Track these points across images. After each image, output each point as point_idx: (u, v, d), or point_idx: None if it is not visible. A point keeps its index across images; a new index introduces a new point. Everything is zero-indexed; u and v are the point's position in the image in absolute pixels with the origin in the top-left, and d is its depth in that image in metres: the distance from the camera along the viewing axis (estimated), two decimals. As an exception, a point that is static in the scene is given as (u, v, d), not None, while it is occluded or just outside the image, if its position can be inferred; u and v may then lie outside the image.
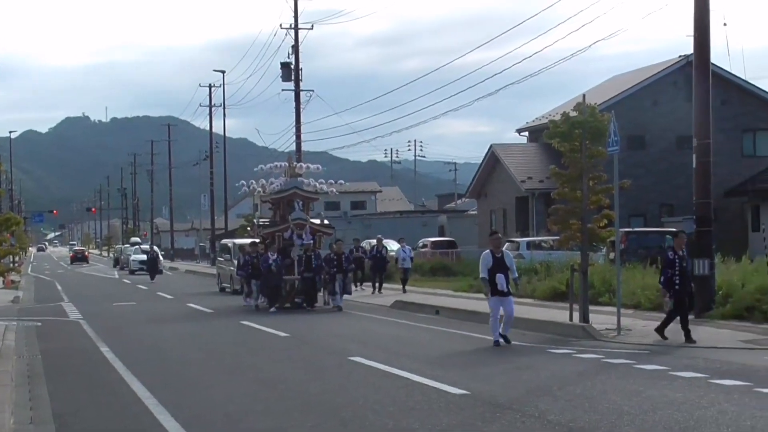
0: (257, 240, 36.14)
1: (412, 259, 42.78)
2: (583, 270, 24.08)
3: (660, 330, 21.16)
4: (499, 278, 20.86)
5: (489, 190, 62.63)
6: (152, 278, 59.27)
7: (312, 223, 35.20)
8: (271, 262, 33.28)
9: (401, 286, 40.19)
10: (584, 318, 23.45)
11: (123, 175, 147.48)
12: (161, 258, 70.59)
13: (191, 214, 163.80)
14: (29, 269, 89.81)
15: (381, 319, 28.99)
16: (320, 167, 37.30)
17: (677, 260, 21.20)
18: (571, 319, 23.80)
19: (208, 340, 24.41)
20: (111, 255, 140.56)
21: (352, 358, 19.07)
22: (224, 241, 53.02)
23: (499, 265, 20.98)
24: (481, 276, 21.24)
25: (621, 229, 35.22)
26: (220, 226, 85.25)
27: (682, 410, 12.88)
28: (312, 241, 34.32)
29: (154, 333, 26.26)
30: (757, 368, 16.54)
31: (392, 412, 13.29)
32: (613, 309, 23.27)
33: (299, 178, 35.86)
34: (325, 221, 37.64)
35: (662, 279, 21.41)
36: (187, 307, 36.03)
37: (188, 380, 17.15)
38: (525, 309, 28.60)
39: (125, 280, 63.88)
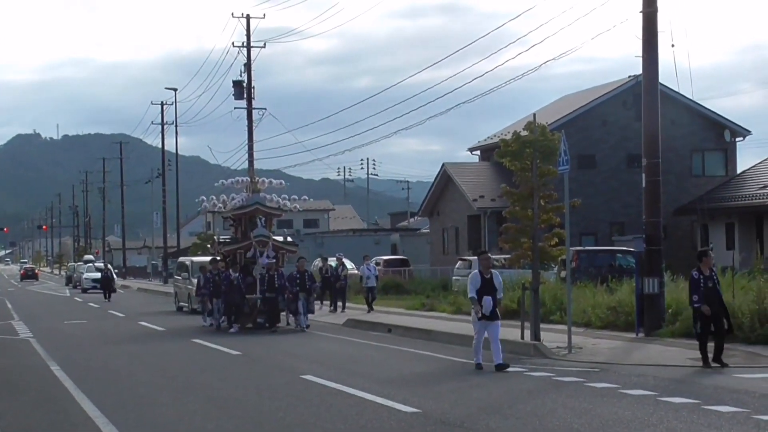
0: (218, 257, 35.02)
1: (377, 277, 41.10)
2: (534, 288, 24.23)
3: (704, 361, 19.61)
4: (486, 301, 19.95)
5: (441, 208, 62.81)
6: (106, 297, 57.63)
7: (275, 240, 34.36)
8: (233, 279, 32.57)
9: (366, 306, 38.59)
10: (535, 336, 23.56)
11: (75, 193, 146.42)
12: (115, 276, 68.56)
13: (143, 231, 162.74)
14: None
15: (333, 338, 28.99)
16: (283, 182, 36.23)
17: (702, 280, 19.73)
18: (522, 337, 23.89)
19: (160, 358, 24.26)
20: (62, 273, 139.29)
21: (303, 377, 19.05)
22: (181, 259, 51.73)
23: (487, 286, 20.02)
24: (470, 296, 20.30)
25: (572, 248, 35.44)
26: (173, 244, 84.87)
27: (632, 428, 12.99)
28: (275, 260, 33.26)
29: (105, 351, 26.07)
30: (705, 386, 16.68)
31: (343, 430, 13.32)
32: (564, 327, 23.39)
33: (261, 194, 34.80)
34: (288, 238, 36.59)
35: (692, 302, 19.96)
36: (138, 326, 35.78)
37: (139, 399, 17.02)
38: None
39: (77, 298, 63.26)
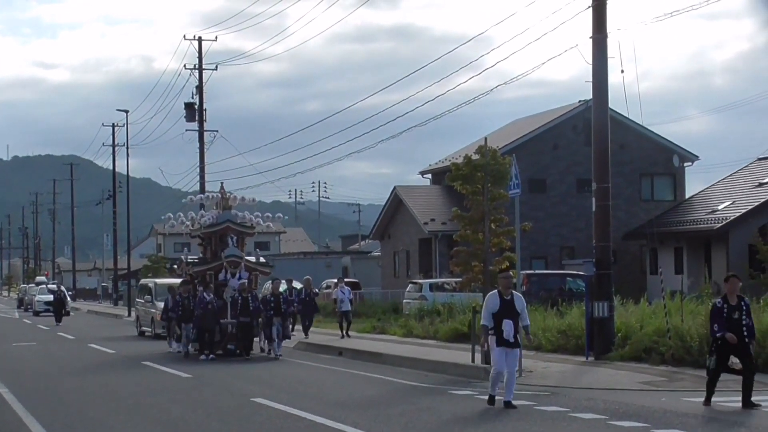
0: (187, 279, 32.83)
1: (351, 301, 38.91)
2: (484, 312, 24.25)
3: (707, 398, 17.29)
4: (507, 325, 17.48)
5: (392, 231, 62.91)
6: (58, 320, 55.23)
7: (247, 260, 32.25)
8: (208, 302, 30.18)
9: (340, 332, 36.30)
10: (486, 359, 23.56)
11: (25, 214, 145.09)
12: (68, 298, 65.48)
13: (94, 253, 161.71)
14: None
15: (284, 360, 28.85)
16: (255, 199, 34.41)
17: (727, 310, 17.15)
18: (473, 360, 23.90)
19: (109, 380, 24.07)
20: (11, 294, 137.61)
21: (254, 399, 18.98)
22: (144, 281, 49.30)
23: (507, 309, 17.54)
24: (482, 323, 17.84)
25: (522, 272, 35.65)
26: (124, 266, 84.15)
27: (581, 451, 13.05)
28: (247, 281, 31.24)
29: (54, 373, 25.85)
30: (655, 409, 16.78)
31: (294, 453, 13.27)
32: (515, 350, 23.39)
33: (232, 211, 32.59)
34: (261, 259, 34.33)
35: (712, 332, 17.43)
36: (88, 348, 35.40)
37: (88, 421, 16.96)
38: (426, 350, 28.77)
39: (26, 320, 62.46)
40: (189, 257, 34.80)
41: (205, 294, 30.45)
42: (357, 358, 29.00)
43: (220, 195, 33.10)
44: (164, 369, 26.37)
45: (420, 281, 48.08)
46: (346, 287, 38.80)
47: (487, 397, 17.77)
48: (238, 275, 31.15)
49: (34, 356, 32.19)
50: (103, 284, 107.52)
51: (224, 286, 31.08)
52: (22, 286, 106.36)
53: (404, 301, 46.59)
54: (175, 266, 36.25)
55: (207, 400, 19.67)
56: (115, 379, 24.34)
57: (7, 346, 36.74)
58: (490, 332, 17.52)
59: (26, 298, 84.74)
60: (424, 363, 25.44)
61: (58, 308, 56.75)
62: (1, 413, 18.04)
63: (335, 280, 55.46)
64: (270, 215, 34.12)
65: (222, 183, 34.66)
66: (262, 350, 30.97)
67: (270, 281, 34.70)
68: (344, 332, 36.15)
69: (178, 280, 34.38)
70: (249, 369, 26.42)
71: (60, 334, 44.43)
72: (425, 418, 16.40)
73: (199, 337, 30.62)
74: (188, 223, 33.57)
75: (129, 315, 61.81)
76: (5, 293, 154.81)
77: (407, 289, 47.83)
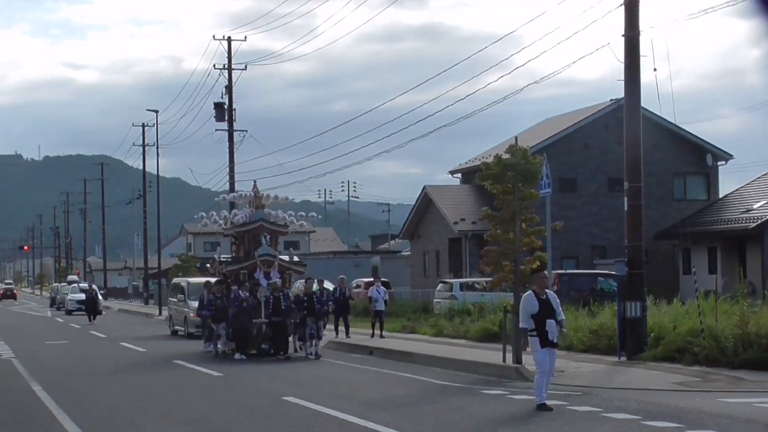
0: (222, 278, 32.31)
1: (386, 301, 37.88)
2: (515, 311, 24.10)
3: None
4: (551, 325, 17.15)
5: (422, 231, 62.78)
6: (91, 319, 55.39)
7: (281, 259, 31.99)
8: (242, 301, 29.85)
9: (371, 331, 35.85)
10: (517, 359, 23.45)
11: (56, 214, 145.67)
12: (101, 297, 64.81)
13: (124, 253, 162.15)
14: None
15: (314, 360, 28.79)
16: (288, 197, 34.14)
17: None
18: (504, 360, 23.77)
19: (141, 379, 24.13)
20: (43, 293, 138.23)
21: (285, 398, 18.93)
22: (176, 280, 48.81)
23: (546, 309, 17.28)
24: (521, 325, 17.59)
25: (553, 271, 35.50)
26: (154, 265, 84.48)
27: (615, 451, 12.92)
28: (280, 280, 30.84)
29: (87, 372, 25.94)
30: (689, 410, 16.59)
31: (325, 453, 13.21)
32: (546, 350, 23.26)
33: (266, 210, 32.26)
34: (295, 258, 33.85)
35: None
36: (120, 347, 35.51)
37: (120, 419, 16.99)
38: (457, 350, 28.66)
39: (58, 319, 62.77)
40: (222, 256, 34.41)
41: (240, 292, 30.07)
42: (388, 357, 28.90)
43: (253, 194, 32.80)
44: (196, 368, 26.40)
45: (450, 281, 47.92)
46: (381, 287, 38.22)
47: (537, 401, 16.97)
48: (271, 275, 30.87)
49: (66, 355, 32.32)
50: (134, 283, 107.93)
51: (259, 286, 30.73)
52: (54, 285, 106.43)
53: (434, 300, 46.46)
54: (208, 265, 35.99)
55: (237, 398, 19.65)
56: (147, 378, 24.39)
57: (40, 345, 36.92)
58: (531, 334, 17.25)
59: (58, 297, 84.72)
60: (455, 363, 25.33)
61: (90, 307, 57.02)
62: (34, 411, 18.15)
63: (365, 280, 55.59)
64: (303, 214, 33.80)
65: (255, 181, 34.29)
66: (296, 350, 30.59)
67: (302, 281, 34.28)
68: (377, 332, 35.65)
69: (212, 279, 34.02)
70: (280, 368, 26.38)
71: (92, 333, 44.68)
72: (456, 418, 16.30)
73: (234, 336, 30.21)
74: (221, 221, 33.43)
75: (160, 314, 62.03)
76: (37, 292, 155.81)
77: (437, 288, 47.70)
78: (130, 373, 25.91)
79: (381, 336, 35.14)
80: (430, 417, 16.50)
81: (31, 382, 23.05)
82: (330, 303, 33.14)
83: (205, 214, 33.94)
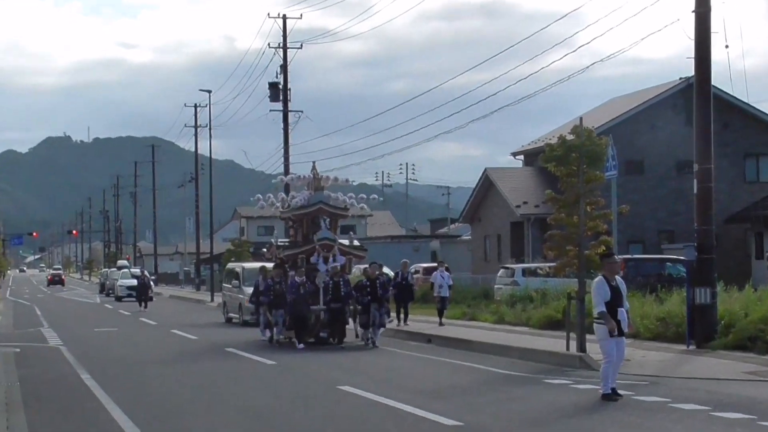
0: (279, 263, 31.04)
1: (450, 286, 36.86)
2: (580, 298, 23.42)
3: None
4: (622, 314, 16.60)
5: (483, 214, 62.03)
6: (143, 306, 54.14)
7: (341, 243, 30.68)
8: (299, 286, 28.63)
9: (438, 318, 34.90)
10: (581, 347, 22.79)
11: (106, 197, 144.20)
12: (152, 283, 63.51)
13: (175, 237, 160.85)
14: (8, 293, 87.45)
15: (371, 348, 28.16)
16: (349, 179, 33.16)
17: None
18: (567, 348, 23.19)
19: (191, 367, 23.80)
20: (93, 279, 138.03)
21: (340, 387, 18.57)
22: (231, 265, 47.83)
23: (617, 296, 16.61)
24: (598, 310, 16.67)
25: (619, 256, 34.62)
26: (206, 250, 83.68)
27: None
28: (341, 263, 29.79)
29: (136, 360, 25.56)
30: (761, 401, 16.04)
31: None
32: (611, 338, 22.56)
33: (325, 192, 31.12)
34: (355, 242, 32.51)
35: None
36: (171, 334, 35.01)
37: (170, 409, 16.69)
38: (518, 337, 28.13)
39: (107, 305, 61.91)
40: (279, 240, 33.45)
41: (297, 278, 28.94)
42: (446, 345, 28.30)
43: (312, 175, 31.81)
44: (249, 356, 25.93)
45: (512, 266, 47.19)
46: (446, 272, 37.16)
47: (602, 390, 16.39)
48: (330, 259, 29.89)
49: (115, 342, 31.98)
50: (185, 269, 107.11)
51: (316, 270, 29.50)
52: (104, 270, 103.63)
53: (495, 286, 45.80)
54: (264, 249, 35.08)
55: (291, 387, 19.36)
56: (198, 366, 24.02)
57: (89, 332, 36.65)
58: (597, 321, 16.74)
59: (108, 282, 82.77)
60: (516, 351, 24.76)
61: (142, 293, 55.99)
62: (83, 399, 17.89)
63: (424, 265, 54.91)
64: (364, 196, 32.69)
65: (314, 162, 33.41)
66: (357, 336, 29.45)
67: (362, 266, 33.24)
68: (440, 318, 34.88)
69: (267, 264, 33.12)
70: (335, 356, 25.85)
71: (142, 320, 44.04)
72: (516, 408, 15.86)
73: (293, 324, 29.06)
74: (278, 204, 32.43)
75: (212, 300, 61.67)
76: (86, 278, 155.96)
77: (498, 274, 46.99)
78: (180, 361, 25.49)
79: (440, 323, 34.38)
80: (490, 407, 16.07)
81: (80, 370, 22.76)
82: (391, 288, 32.12)
83: (261, 196, 32.75)
